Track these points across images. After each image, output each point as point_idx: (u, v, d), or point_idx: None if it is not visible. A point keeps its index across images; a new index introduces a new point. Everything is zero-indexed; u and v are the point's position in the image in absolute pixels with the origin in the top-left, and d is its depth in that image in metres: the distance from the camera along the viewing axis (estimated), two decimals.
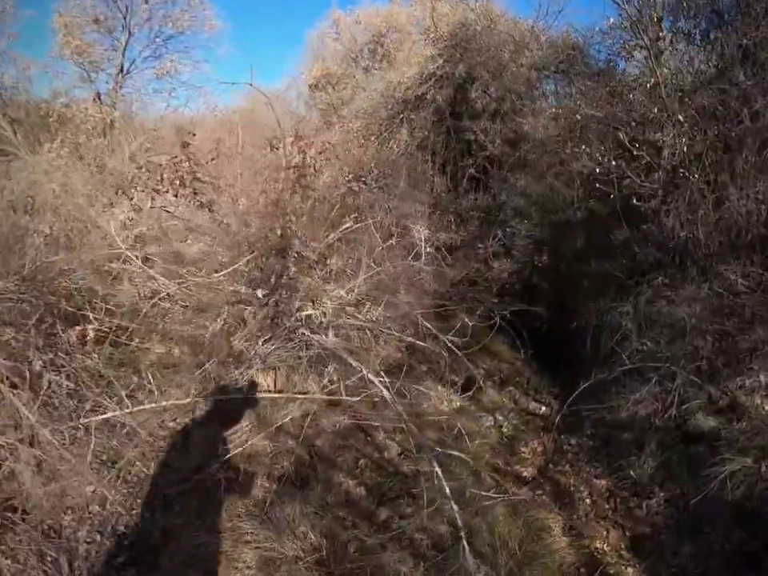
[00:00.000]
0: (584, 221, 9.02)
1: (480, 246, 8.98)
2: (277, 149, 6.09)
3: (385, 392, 4.78)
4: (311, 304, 5.27)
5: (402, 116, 9.57)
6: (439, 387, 6.60)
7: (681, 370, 6.16)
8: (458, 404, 6.45)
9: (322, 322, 5.22)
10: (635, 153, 6.29)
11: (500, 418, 6.42)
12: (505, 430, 6.25)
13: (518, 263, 8.86)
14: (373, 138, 9.68)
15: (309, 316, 5.22)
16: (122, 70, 9.88)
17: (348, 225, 5.75)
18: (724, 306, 7.12)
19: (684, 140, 5.97)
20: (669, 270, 7.59)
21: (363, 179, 6.16)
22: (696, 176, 6.21)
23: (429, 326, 6.11)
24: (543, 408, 6.89)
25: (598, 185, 6.98)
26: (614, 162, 6.48)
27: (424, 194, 10.35)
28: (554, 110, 8.42)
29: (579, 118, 7.30)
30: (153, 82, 10.33)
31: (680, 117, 5.93)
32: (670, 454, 5.41)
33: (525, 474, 5.51)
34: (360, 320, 5.48)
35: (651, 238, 7.77)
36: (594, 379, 6.44)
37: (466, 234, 9.37)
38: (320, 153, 6.14)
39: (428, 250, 6.39)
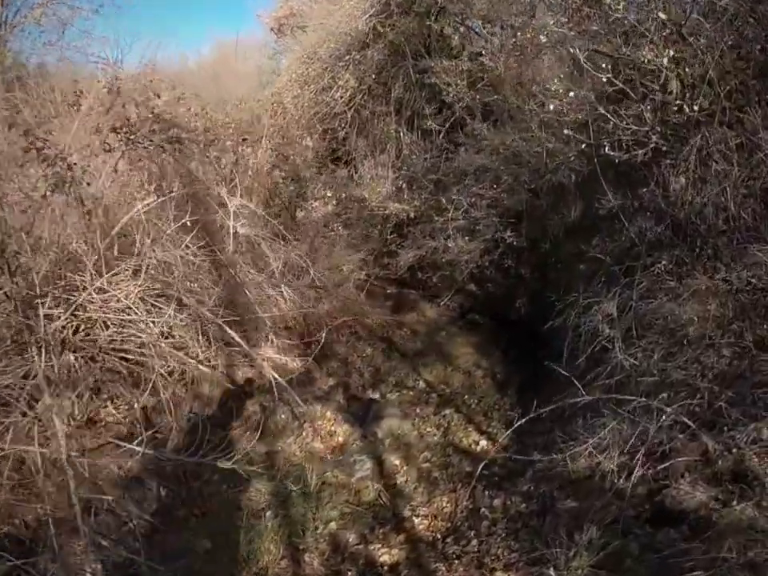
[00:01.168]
0: (575, 185, 6.95)
1: (438, 218, 7.07)
2: (74, 107, 4.46)
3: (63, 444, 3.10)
4: (66, 311, 3.66)
5: (348, 57, 7.71)
6: (327, 413, 4.89)
7: (664, 405, 4.22)
8: (340, 439, 4.74)
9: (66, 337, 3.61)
10: (604, 78, 4.25)
11: (395, 461, 4.65)
12: (401, 479, 4.49)
13: (485, 241, 6.90)
14: (311, 86, 7.88)
15: (65, 327, 3.61)
16: (5, 22, 8.31)
17: (147, 202, 4.06)
18: (756, 306, 5.09)
19: (670, 53, 3.91)
20: (674, 251, 5.51)
21: (126, 134, 4.38)
22: (698, 108, 4.14)
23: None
24: (484, 442, 5.06)
25: (568, 131, 4.97)
26: (571, 94, 4.46)
27: (386, 155, 8.51)
28: (519, 34, 6.32)
29: (544, 40, 5.25)
30: (46, 34, 8.53)
31: (664, 17, 3.84)
32: (625, 543, 3.54)
33: (384, 558, 3.76)
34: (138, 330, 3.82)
35: (652, 206, 5.69)
36: (536, 411, 4.60)
37: (421, 204, 7.46)
38: (138, 106, 4.46)
39: (241, 230, 4.60)
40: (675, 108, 4.37)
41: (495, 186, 6.87)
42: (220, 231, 4.57)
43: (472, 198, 7.19)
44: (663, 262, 5.43)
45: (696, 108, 4.68)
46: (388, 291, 7.95)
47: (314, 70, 7.82)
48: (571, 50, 4.47)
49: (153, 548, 3.37)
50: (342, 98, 7.75)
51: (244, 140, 5.41)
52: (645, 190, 5.73)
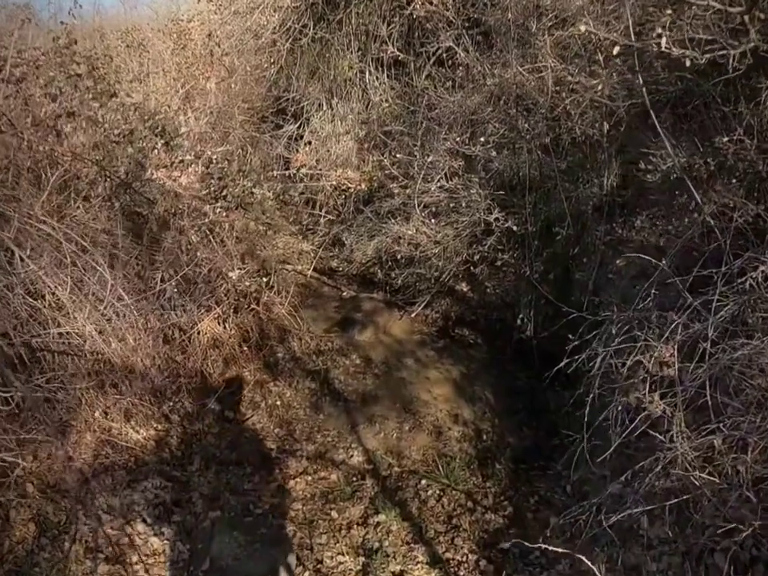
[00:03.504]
0: (609, 136, 4.62)
1: (399, 192, 4.80)
2: None
3: None
4: None
5: None
6: (139, 537, 2.78)
7: None
8: None
9: None
10: None
11: None
12: None
13: (468, 225, 4.60)
14: (230, 9, 5.61)
15: None
16: None
17: None
18: None
19: None
20: None
21: None
22: None
23: None
24: None
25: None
26: None
27: (348, 104, 6.23)
28: None
29: None
30: None
31: None
32: None
33: None
34: None
35: (741, 167, 3.33)
36: None
37: (374, 170, 5.17)
38: None
39: None
40: None
41: (483, 140, 4.52)
42: None
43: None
44: (762, 270, 3.05)
45: None
46: (343, 294, 5.74)
47: None
48: None
49: None
50: (267, 23, 5.45)
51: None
52: (726, 139, 3.35)
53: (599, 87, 3.54)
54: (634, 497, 3.07)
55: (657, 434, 2.93)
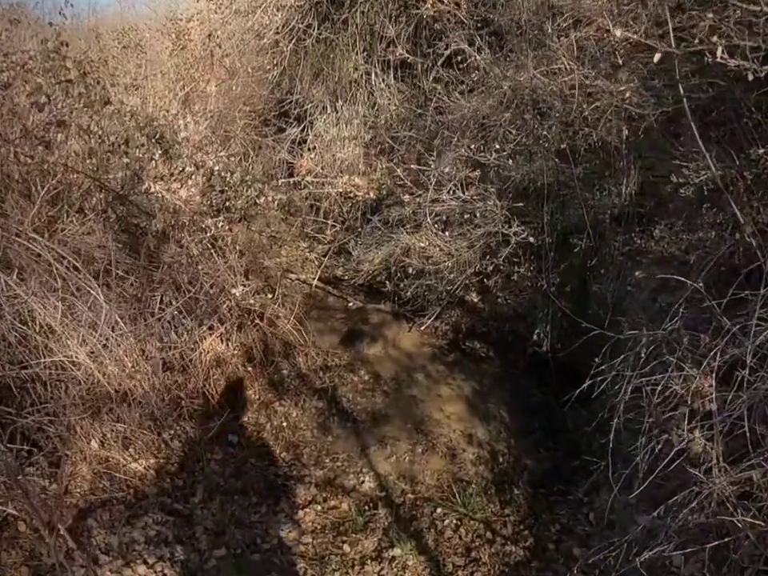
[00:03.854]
0: (629, 143, 4.41)
1: (410, 201, 4.59)
2: None
3: None
4: None
5: None
6: None
7: None
8: None
9: None
10: None
11: None
12: None
13: (482, 236, 4.39)
14: (230, 8, 5.40)
15: None
16: None
17: None
18: None
19: None
20: None
21: None
22: None
23: None
24: None
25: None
26: None
27: (353, 107, 6.02)
28: None
29: None
30: None
31: None
32: None
33: None
34: None
35: None
36: None
37: (383, 178, 4.96)
38: None
39: None
40: None
41: (498, 147, 4.31)
42: None
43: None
44: None
45: None
46: (349, 305, 5.52)
47: None
48: None
49: None
50: (270, 22, 5.24)
51: None
52: (762, 151, 3.14)
53: (627, 94, 3.33)
54: (666, 532, 2.87)
55: (690, 468, 2.73)
